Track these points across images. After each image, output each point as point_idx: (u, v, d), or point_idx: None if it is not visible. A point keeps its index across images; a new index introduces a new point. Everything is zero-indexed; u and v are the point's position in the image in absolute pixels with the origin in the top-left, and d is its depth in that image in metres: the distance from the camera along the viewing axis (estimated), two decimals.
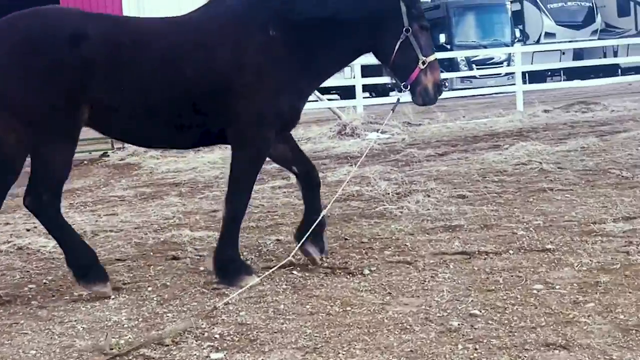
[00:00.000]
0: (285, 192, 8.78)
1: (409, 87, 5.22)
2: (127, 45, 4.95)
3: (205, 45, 5.05)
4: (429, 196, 7.76)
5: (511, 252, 5.64)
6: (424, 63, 5.17)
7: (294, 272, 5.43)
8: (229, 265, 5.17)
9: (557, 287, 4.76)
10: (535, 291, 4.72)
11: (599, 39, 32.56)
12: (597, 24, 34.36)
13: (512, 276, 5.05)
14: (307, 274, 5.37)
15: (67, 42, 4.77)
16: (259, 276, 5.13)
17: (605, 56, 32.52)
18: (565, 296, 4.59)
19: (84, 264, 5.02)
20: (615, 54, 33.12)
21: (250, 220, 7.18)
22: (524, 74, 29.48)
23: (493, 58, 29.89)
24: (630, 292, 4.58)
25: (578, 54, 31.41)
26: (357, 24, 5.14)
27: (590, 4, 34.47)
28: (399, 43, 5.15)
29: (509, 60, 28.46)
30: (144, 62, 4.96)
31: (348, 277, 5.27)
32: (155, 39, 5.07)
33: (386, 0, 5.20)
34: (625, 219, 6.40)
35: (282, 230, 6.75)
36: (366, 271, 5.35)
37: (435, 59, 5.26)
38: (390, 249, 5.98)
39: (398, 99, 5.82)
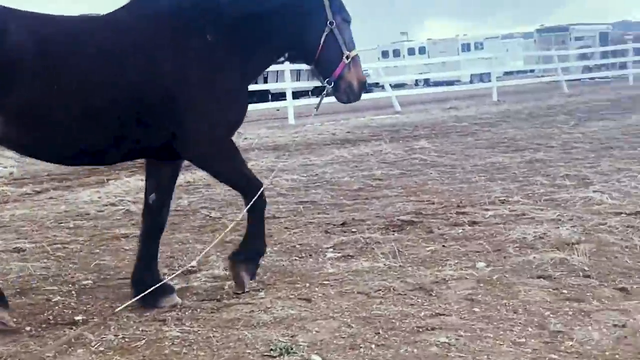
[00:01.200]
0: None
1: (332, 83, 5.04)
2: (58, 43, 4.39)
3: (143, 49, 4.63)
4: None
5: (25, 331, 4.55)
6: (347, 57, 5.02)
7: None
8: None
9: None
10: None
11: None
12: None
13: None
14: None
15: None
16: None
17: (257, 82, 33.26)
18: None
19: None
20: (266, 80, 34.07)
21: None
22: None
23: None
24: None
25: None
26: (285, 19, 4.98)
27: None
28: (323, 37, 5.00)
29: None
30: (78, 63, 4.41)
31: None
32: (90, 37, 4.54)
33: None
34: (185, 273, 5.67)
35: None
36: None
37: (357, 54, 5.13)
38: None
39: (323, 95, 5.24)
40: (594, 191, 7.95)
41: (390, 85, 26.94)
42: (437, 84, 43.81)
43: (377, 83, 37.17)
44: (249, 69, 5.05)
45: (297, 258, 6.02)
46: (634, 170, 9.08)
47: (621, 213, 7.03)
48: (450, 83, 42.07)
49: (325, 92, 5.12)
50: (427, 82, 46.85)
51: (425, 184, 9.23)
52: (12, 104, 4.21)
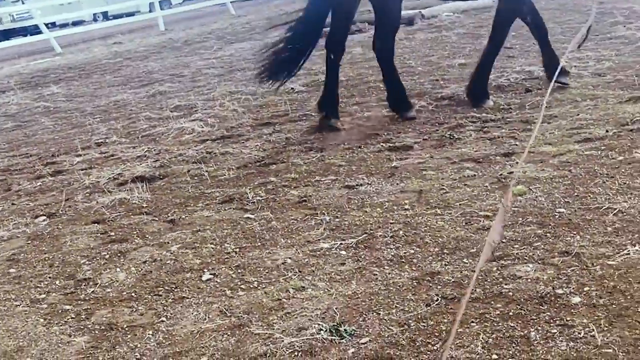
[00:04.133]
0: None
1: None
2: None
3: None
4: None
5: None
6: None
7: None
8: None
9: None
10: None
11: None
12: None
13: None
14: None
15: None
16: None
17: None
18: None
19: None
20: None
21: None
22: None
23: None
24: None
25: None
26: None
27: None
28: None
29: None
30: None
31: None
32: None
33: None
34: None
35: None
36: None
37: None
38: None
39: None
40: (192, 120, 8.09)
41: (48, 25, 25.42)
42: (117, 16, 42.29)
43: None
44: None
45: None
46: (244, 92, 9.38)
47: (207, 140, 7.22)
48: (130, 14, 40.78)
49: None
50: (106, 16, 45.11)
51: (35, 134, 8.84)
52: None
